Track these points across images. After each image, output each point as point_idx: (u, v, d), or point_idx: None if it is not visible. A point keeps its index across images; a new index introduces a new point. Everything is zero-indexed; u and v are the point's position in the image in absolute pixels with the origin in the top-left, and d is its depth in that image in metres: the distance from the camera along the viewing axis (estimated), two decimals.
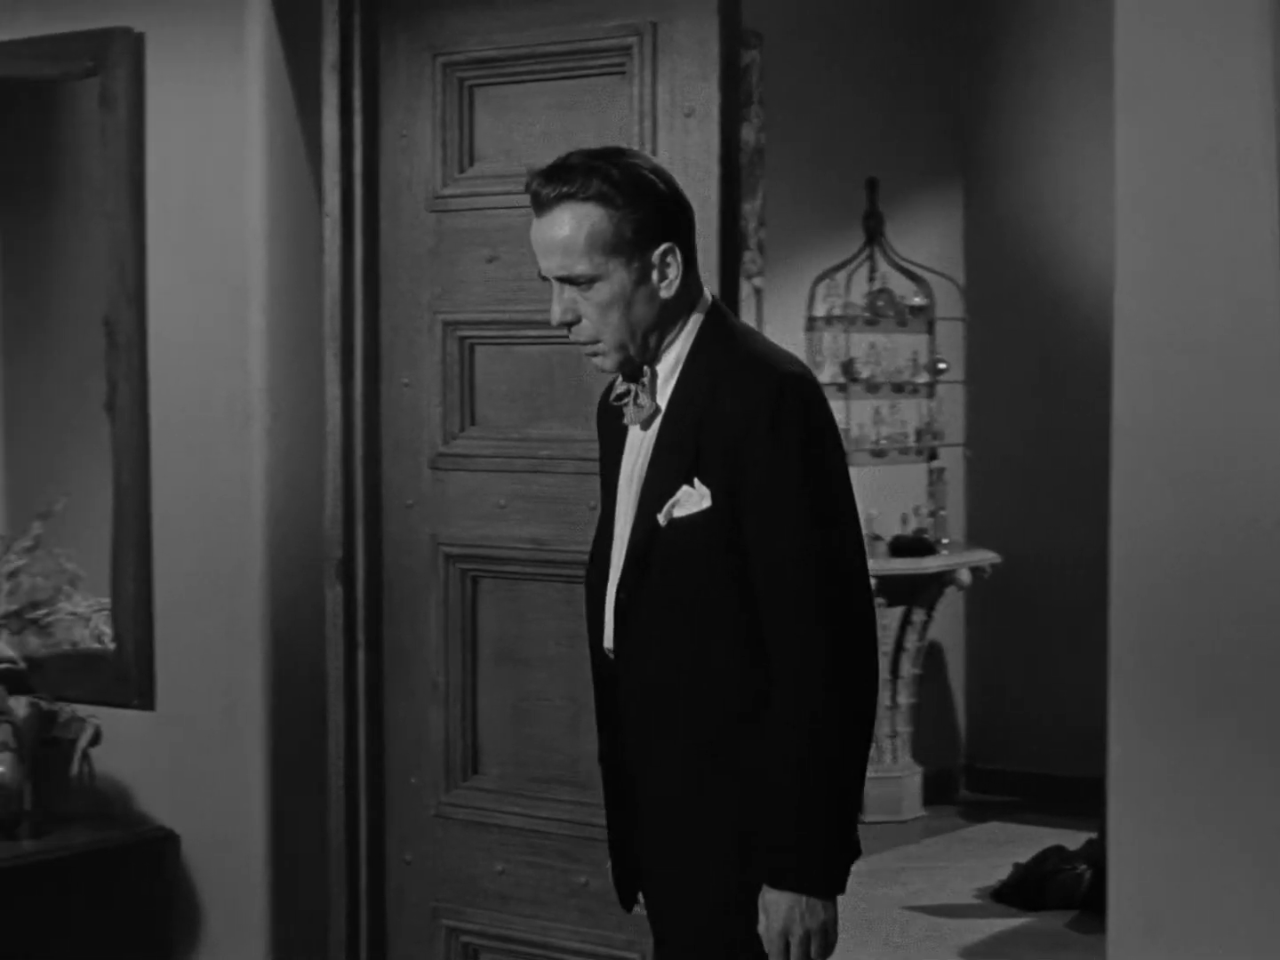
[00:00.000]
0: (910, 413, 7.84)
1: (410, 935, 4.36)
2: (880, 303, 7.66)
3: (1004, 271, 7.89)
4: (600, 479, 3.17)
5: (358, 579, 4.33)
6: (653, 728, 3.01)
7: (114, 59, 4.35)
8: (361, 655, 4.33)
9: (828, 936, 2.91)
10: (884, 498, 7.57)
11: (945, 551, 7.64)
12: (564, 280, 2.98)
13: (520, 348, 4.15)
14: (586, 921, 4.10)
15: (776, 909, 2.89)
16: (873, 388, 7.69)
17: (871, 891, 6.32)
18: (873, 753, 7.53)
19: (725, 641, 2.95)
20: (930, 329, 7.84)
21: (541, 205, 2.96)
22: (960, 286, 7.87)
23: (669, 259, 2.97)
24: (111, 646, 4.50)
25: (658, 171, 3.02)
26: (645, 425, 3.04)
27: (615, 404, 3.09)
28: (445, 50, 4.21)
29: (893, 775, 7.50)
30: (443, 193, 4.23)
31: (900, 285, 7.74)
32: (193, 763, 4.40)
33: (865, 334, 7.65)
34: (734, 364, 2.98)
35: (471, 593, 4.24)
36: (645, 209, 2.96)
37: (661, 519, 2.97)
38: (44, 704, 4.44)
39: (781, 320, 7.24)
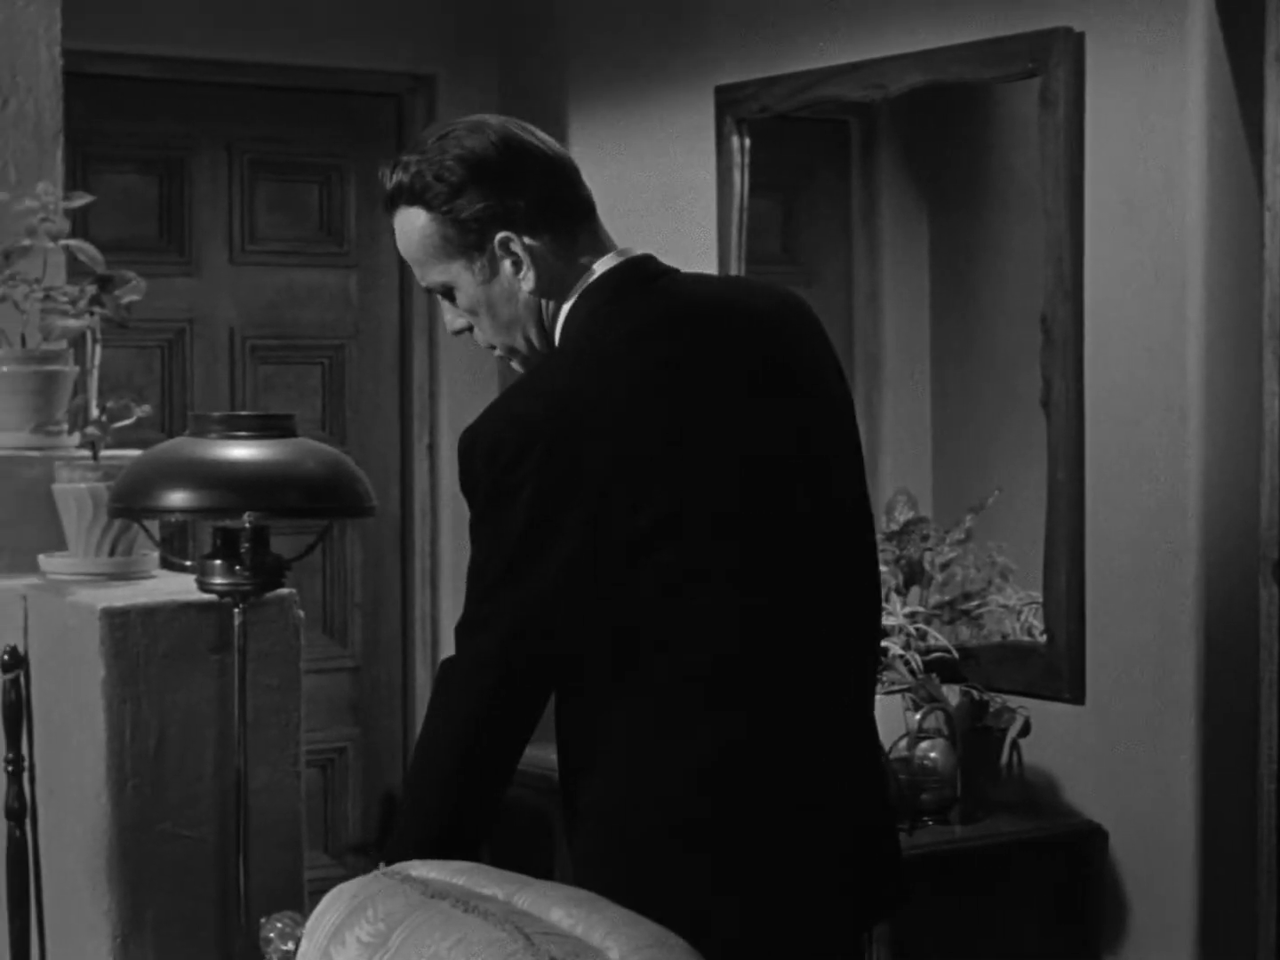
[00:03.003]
0: None
1: None
2: None
3: None
4: None
5: None
6: None
7: (1055, 59, 4.39)
8: None
9: None
10: None
11: None
12: (430, 292, 2.72)
13: None
14: None
15: None
16: None
17: None
18: None
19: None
20: None
21: (385, 210, 2.70)
22: None
23: (512, 247, 2.59)
24: (1042, 640, 4.55)
25: (478, 144, 2.59)
26: None
27: None
28: None
29: None
30: None
31: None
32: (1122, 759, 4.40)
33: None
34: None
35: None
36: (462, 199, 2.58)
37: None
38: (975, 693, 4.54)
39: None
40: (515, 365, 2.72)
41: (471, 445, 2.57)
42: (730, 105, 5.21)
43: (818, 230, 5.67)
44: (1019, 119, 4.84)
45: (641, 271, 2.66)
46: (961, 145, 5.40)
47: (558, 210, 2.63)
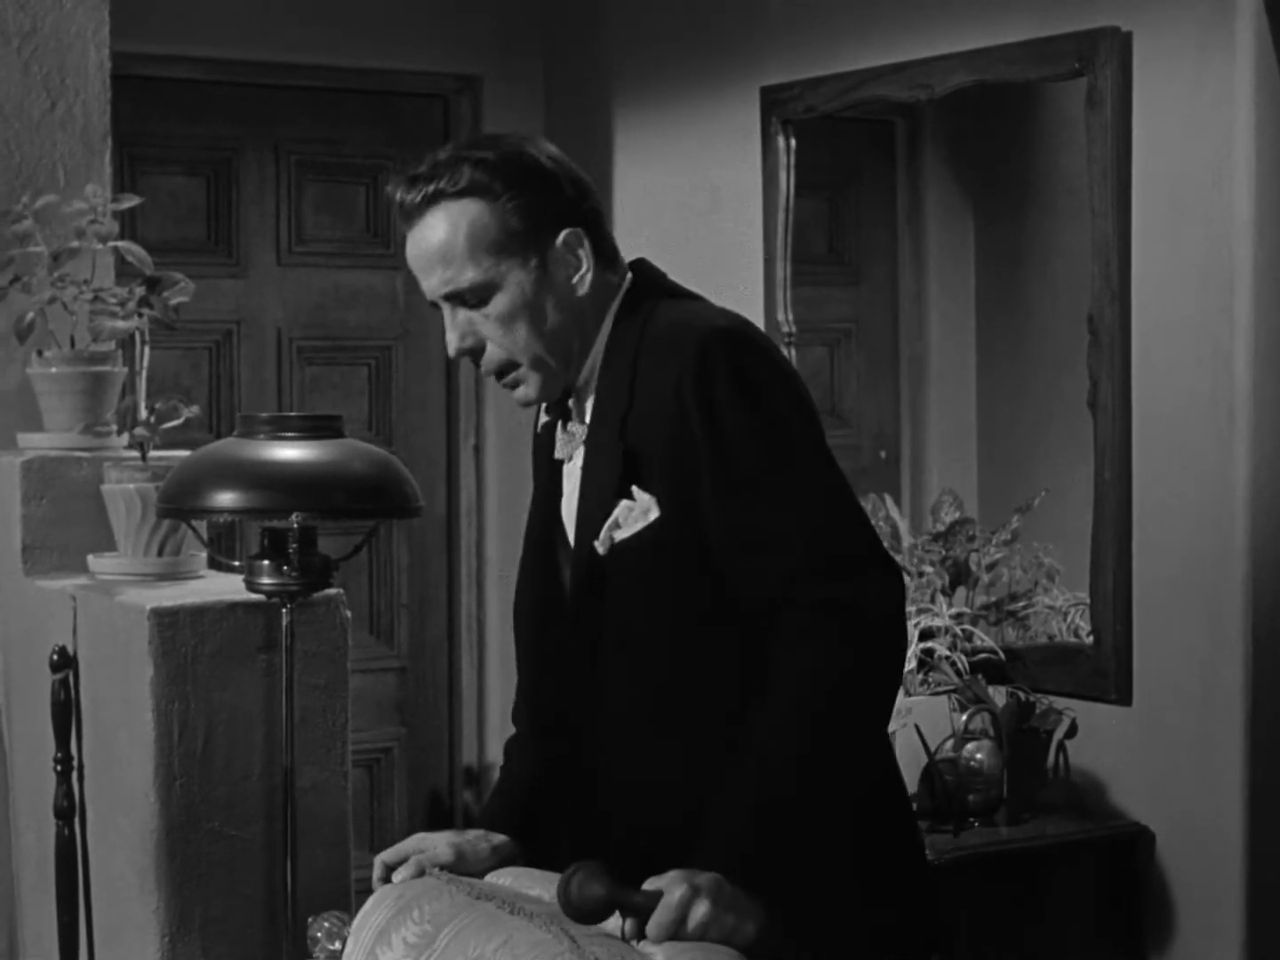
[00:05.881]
0: None
1: None
2: None
3: None
4: (527, 522, 2.66)
5: None
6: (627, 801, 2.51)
7: (1102, 58, 4.38)
8: None
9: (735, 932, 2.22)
10: None
11: None
12: (453, 299, 2.45)
13: None
14: None
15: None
16: None
17: None
18: None
19: (716, 685, 2.41)
20: None
21: (409, 215, 2.46)
22: None
23: (577, 248, 2.46)
24: (1088, 641, 4.53)
25: (543, 151, 2.49)
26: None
27: (542, 435, 2.59)
28: None
29: None
30: None
31: None
32: (1168, 760, 4.38)
33: None
34: (649, 340, 2.43)
35: None
36: (532, 191, 2.43)
37: (600, 546, 2.42)
38: (1022, 695, 4.52)
39: None
40: (523, 391, 2.51)
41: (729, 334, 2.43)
42: (776, 106, 5.20)
43: (863, 231, 5.66)
44: (1066, 119, 4.83)
45: (660, 276, 2.61)
46: (1008, 145, 5.39)
47: (598, 213, 2.54)
